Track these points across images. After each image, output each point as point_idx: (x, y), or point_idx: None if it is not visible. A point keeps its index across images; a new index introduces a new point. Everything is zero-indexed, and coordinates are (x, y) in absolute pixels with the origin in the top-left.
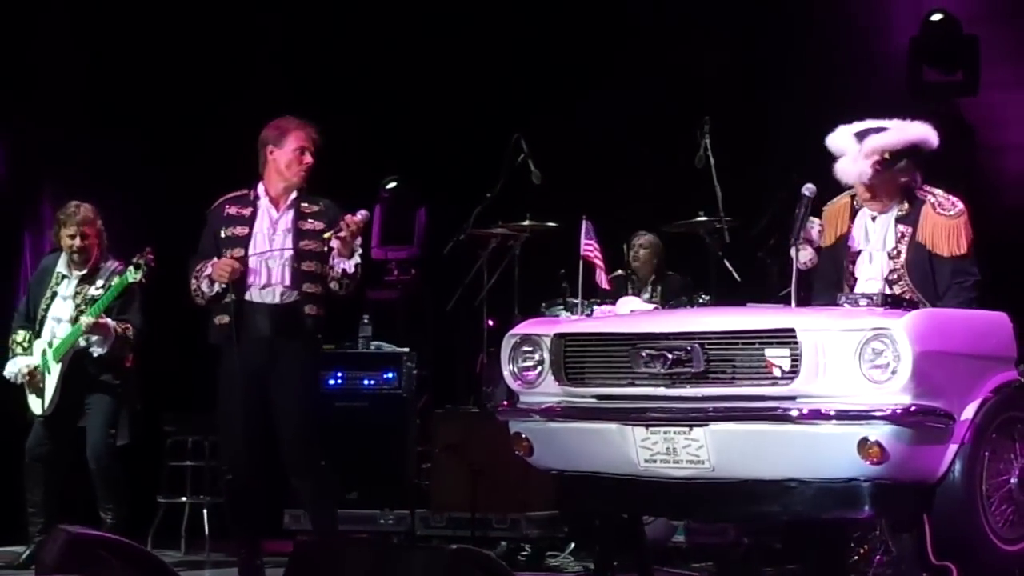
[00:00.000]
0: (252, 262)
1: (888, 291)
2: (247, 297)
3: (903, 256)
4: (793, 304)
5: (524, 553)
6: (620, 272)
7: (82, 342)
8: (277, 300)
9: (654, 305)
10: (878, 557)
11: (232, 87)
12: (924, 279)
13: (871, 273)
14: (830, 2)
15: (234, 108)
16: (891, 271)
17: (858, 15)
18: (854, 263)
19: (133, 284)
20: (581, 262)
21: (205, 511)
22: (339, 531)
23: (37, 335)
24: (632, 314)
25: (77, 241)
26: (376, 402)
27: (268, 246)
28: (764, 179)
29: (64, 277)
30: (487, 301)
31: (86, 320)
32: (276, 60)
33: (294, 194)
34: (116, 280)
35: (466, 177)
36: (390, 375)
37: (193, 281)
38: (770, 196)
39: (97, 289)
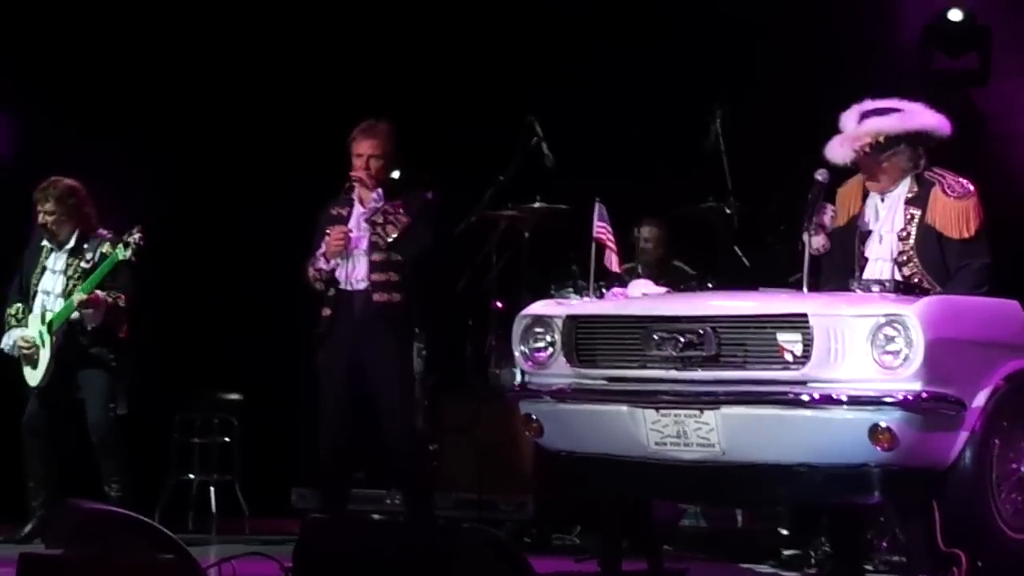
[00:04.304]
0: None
1: (898, 273)
2: (343, 287)
3: (912, 238)
4: (805, 289)
5: (530, 534)
6: (629, 264)
7: (75, 315)
8: (360, 290)
9: (665, 288)
10: (884, 544)
11: (236, 73)
12: (934, 261)
13: (880, 254)
14: None
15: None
16: (900, 252)
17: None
18: (864, 244)
19: (123, 261)
20: (593, 244)
21: (212, 489)
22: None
23: (30, 309)
24: (644, 297)
25: (43, 217)
26: None
27: (353, 242)
28: (774, 164)
29: (52, 251)
30: (496, 283)
31: (79, 296)
32: (283, 44)
33: (372, 192)
34: (107, 254)
35: (479, 160)
36: None
37: (311, 271)
38: (780, 182)
39: (87, 262)
